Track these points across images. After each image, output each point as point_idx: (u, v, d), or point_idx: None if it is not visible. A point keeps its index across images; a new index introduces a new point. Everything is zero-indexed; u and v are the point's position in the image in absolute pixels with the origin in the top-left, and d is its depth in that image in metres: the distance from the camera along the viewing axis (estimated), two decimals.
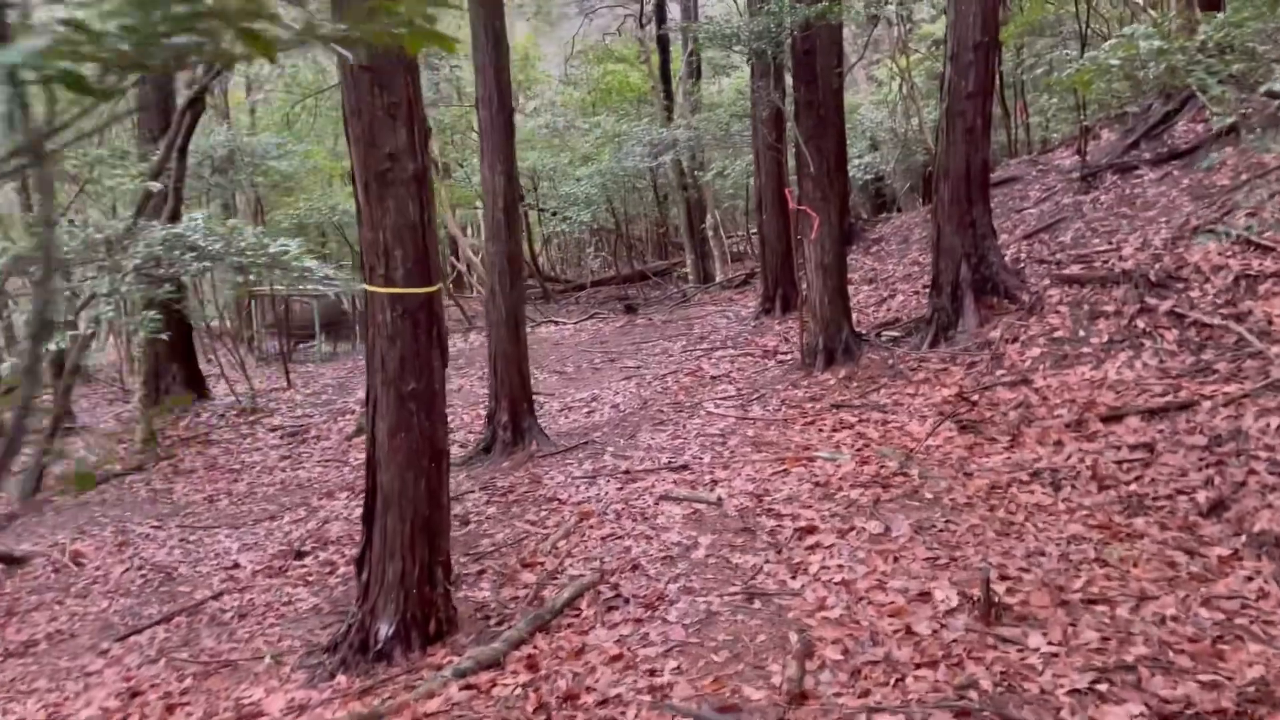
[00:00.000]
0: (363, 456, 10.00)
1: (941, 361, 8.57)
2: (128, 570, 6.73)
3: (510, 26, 29.30)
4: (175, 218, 10.98)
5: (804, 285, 9.72)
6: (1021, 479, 6.11)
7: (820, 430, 7.63)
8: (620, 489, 6.71)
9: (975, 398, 7.58)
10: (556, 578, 5.31)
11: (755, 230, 17.23)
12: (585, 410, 9.72)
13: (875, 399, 8.23)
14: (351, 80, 4.08)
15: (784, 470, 6.64)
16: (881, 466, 6.42)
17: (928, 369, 8.51)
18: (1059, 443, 6.59)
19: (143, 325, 7.43)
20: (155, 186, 10.12)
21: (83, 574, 6.80)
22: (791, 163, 12.64)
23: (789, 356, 10.53)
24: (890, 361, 8.98)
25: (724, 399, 9.14)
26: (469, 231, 31.11)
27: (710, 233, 20.96)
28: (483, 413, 10.47)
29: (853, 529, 5.34)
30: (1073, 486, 5.99)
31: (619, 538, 5.75)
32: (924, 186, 17.76)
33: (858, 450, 6.94)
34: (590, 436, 8.42)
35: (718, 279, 20.27)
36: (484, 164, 7.87)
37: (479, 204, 26.08)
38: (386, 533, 4.47)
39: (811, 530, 5.40)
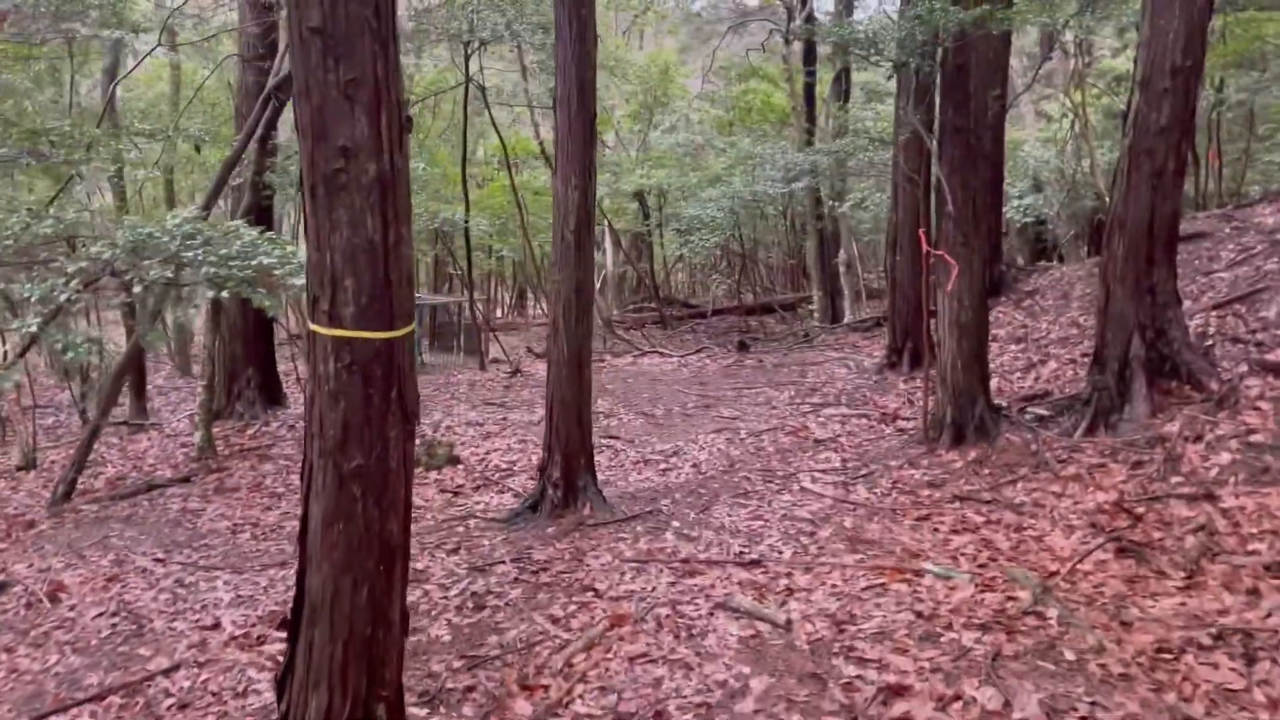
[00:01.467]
0: (421, 489, 9.12)
1: (1099, 455, 7.00)
2: (100, 615, 5.93)
3: (653, 39, 28.46)
4: (254, 213, 10.40)
5: (936, 341, 8.29)
6: (1201, 641, 4.57)
7: (935, 530, 6.22)
8: (672, 584, 5.50)
9: (1140, 510, 6.02)
10: (558, 715, 4.13)
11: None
12: (662, 466, 8.53)
13: (1010, 494, 6.75)
14: (299, 46, 3.05)
15: (880, 585, 5.28)
16: (1009, 598, 4.99)
17: (1080, 462, 6.96)
18: (1254, 591, 5.01)
19: (151, 334, 6.66)
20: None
21: (53, 614, 6.03)
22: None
23: (911, 425, 9.08)
24: (1033, 447, 7.45)
25: (825, 472, 7.79)
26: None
27: (843, 268, 19.50)
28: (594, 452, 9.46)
29: (958, 698, 3.98)
30: (1274, 662, 4.42)
31: (651, 661, 4.53)
32: (1092, 235, 15.85)
33: (979, 567, 5.52)
34: (658, 503, 7.22)
35: (846, 319, 18.79)
36: (556, 175, 6.81)
37: (603, 221, 25.34)
38: (313, 653, 3.39)
39: (901, 691, 4.06)
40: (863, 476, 7.58)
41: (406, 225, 3.33)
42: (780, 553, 6.01)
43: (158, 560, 7.01)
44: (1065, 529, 6.03)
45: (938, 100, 8.34)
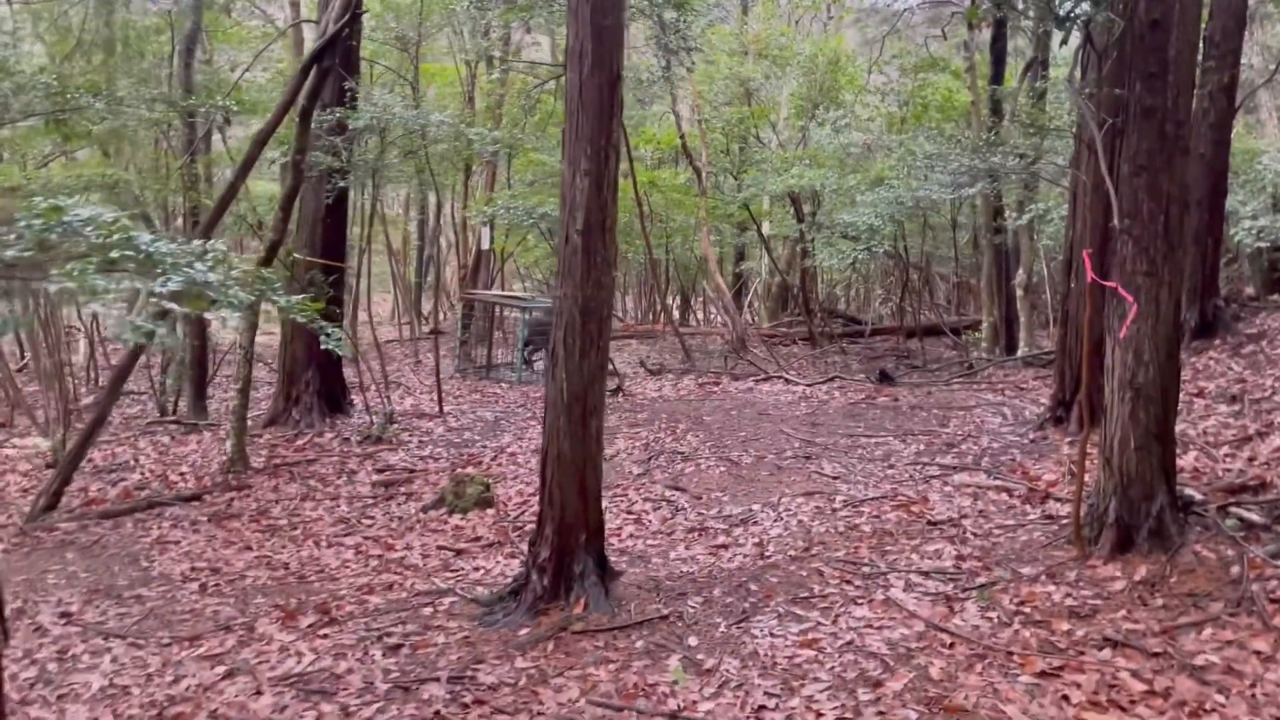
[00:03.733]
0: (426, 542, 7.69)
1: None
2: None
3: (833, 30, 26.35)
4: (291, 197, 9.30)
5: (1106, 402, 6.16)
6: None
7: (1064, 699, 4.24)
8: None
9: None
10: None
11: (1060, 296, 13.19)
12: (719, 540, 6.76)
13: (1191, 645, 4.64)
14: None
15: None
16: None
17: None
18: None
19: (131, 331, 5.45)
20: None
21: None
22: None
23: (1065, 510, 6.93)
24: (1235, 569, 5.26)
25: (929, 574, 5.82)
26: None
27: (1020, 291, 16.91)
28: (635, 499, 7.92)
29: None
30: None
31: None
32: None
33: None
34: (685, 601, 5.49)
35: (1020, 352, 16.24)
36: (565, 155, 5.19)
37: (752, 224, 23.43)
38: None
39: None
40: (978, 587, 5.58)
41: None
42: (820, 712, 4.18)
43: (63, 616, 5.85)
44: None
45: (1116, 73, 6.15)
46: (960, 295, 25.08)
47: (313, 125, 10.33)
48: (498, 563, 6.61)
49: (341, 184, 11.04)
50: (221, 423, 12.26)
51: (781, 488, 8.01)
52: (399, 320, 26.49)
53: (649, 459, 9.40)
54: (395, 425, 11.34)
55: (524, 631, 5.13)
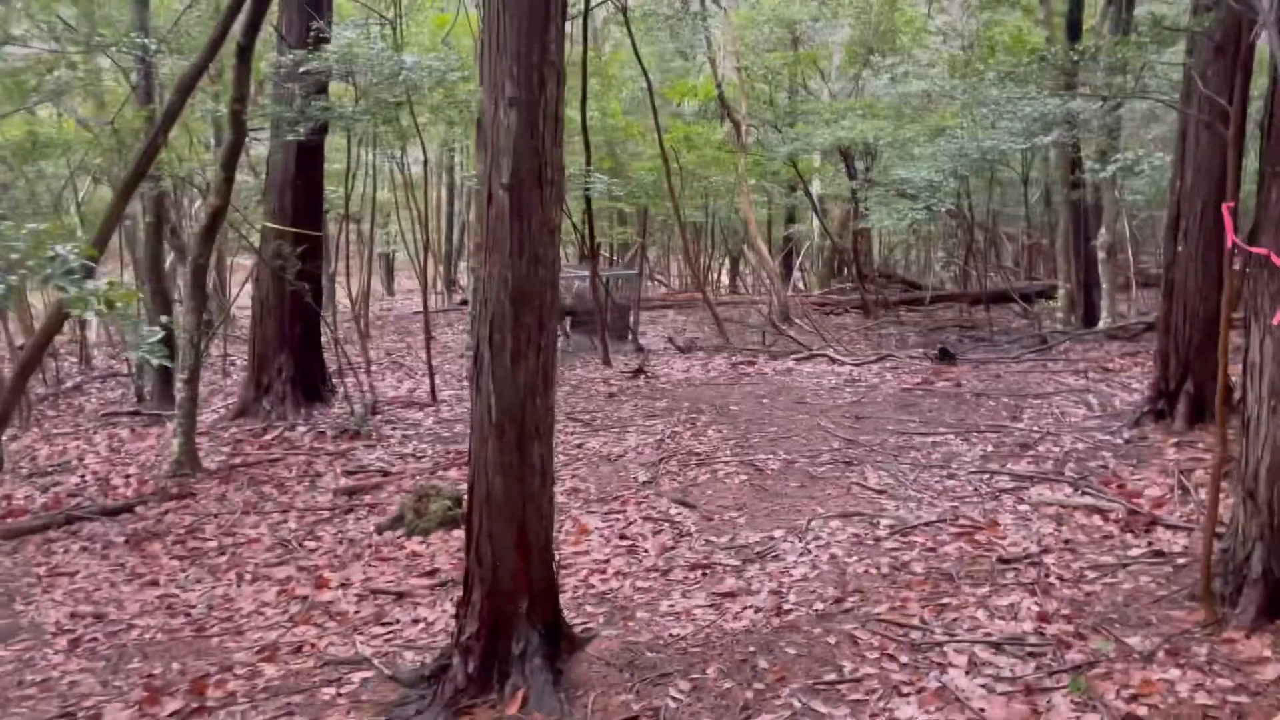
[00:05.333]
0: (370, 576, 6.36)
1: None
2: None
3: None
4: (234, 154, 7.97)
5: (1239, 397, 4.61)
6: None
7: None
8: None
9: None
10: None
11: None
12: (726, 585, 5.33)
13: None
14: None
15: None
16: None
17: None
18: None
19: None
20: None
21: None
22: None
23: (1181, 544, 5.39)
24: None
25: (1000, 649, 4.35)
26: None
27: (1102, 254, 15.07)
28: (634, 517, 6.59)
29: None
30: None
31: None
32: None
33: None
34: (668, 689, 4.09)
35: (1102, 323, 14.46)
36: (483, 79, 3.76)
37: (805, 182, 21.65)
38: None
39: None
40: (1071, 670, 4.10)
41: None
42: None
43: None
44: None
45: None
46: (1031, 258, 23.16)
47: (278, 71, 9.04)
48: (443, 612, 5.27)
49: (312, 138, 9.70)
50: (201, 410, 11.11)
51: (813, 505, 6.55)
52: (425, 290, 25.33)
53: (659, 460, 8.00)
54: (378, 416, 10.06)
55: None
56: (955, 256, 24.89)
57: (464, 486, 6.63)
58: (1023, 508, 6.27)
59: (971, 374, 10.96)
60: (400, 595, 5.57)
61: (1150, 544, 5.54)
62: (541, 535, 4.07)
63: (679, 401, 10.19)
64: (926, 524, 6.01)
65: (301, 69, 8.32)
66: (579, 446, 8.81)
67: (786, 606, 4.98)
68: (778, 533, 6.06)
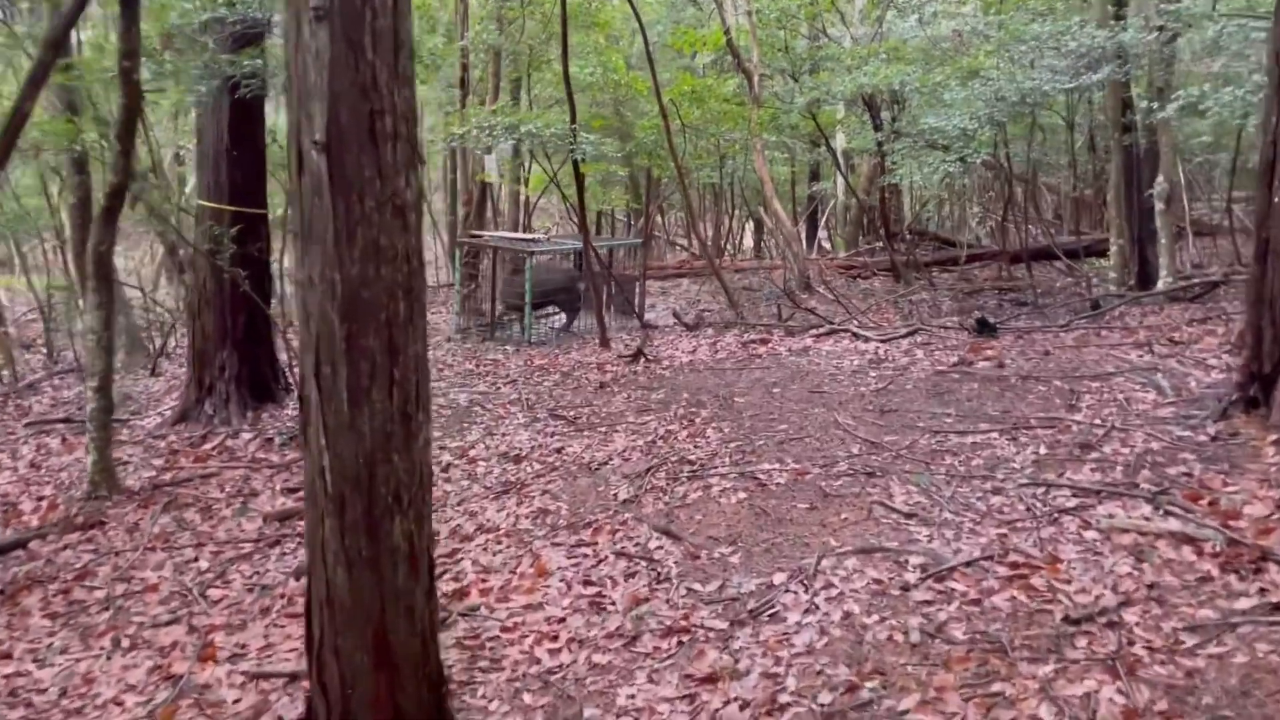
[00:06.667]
0: (271, 643, 5.12)
1: None
2: None
3: None
4: (129, 122, 6.78)
5: None
6: None
7: None
8: None
9: None
10: None
11: (1254, 215, 10.02)
12: (702, 667, 4.12)
13: None
14: None
15: None
16: None
17: None
18: None
19: None
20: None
21: None
22: None
23: None
24: None
25: None
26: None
27: (1160, 204, 13.57)
28: (604, 552, 5.47)
29: None
30: None
31: None
32: None
33: None
34: None
35: (1161, 283, 13.01)
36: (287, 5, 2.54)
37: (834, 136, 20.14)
38: None
39: None
40: None
41: None
42: None
43: None
44: None
45: None
46: (1076, 211, 21.60)
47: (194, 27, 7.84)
48: None
49: (252, 99, 8.52)
50: (143, 414, 10.04)
51: (824, 535, 5.31)
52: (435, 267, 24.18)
53: (646, 471, 6.79)
54: None
55: None
56: (991, 211, 23.40)
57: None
58: (1090, 535, 5.00)
59: (1015, 349, 9.62)
60: (293, 678, 4.41)
61: (1261, 591, 4.28)
62: (415, 647, 2.88)
63: (678, 392, 8.96)
64: (968, 563, 4.76)
65: (206, 14, 7.12)
66: (558, 452, 7.62)
67: (783, 699, 3.77)
68: (778, 577, 4.84)
